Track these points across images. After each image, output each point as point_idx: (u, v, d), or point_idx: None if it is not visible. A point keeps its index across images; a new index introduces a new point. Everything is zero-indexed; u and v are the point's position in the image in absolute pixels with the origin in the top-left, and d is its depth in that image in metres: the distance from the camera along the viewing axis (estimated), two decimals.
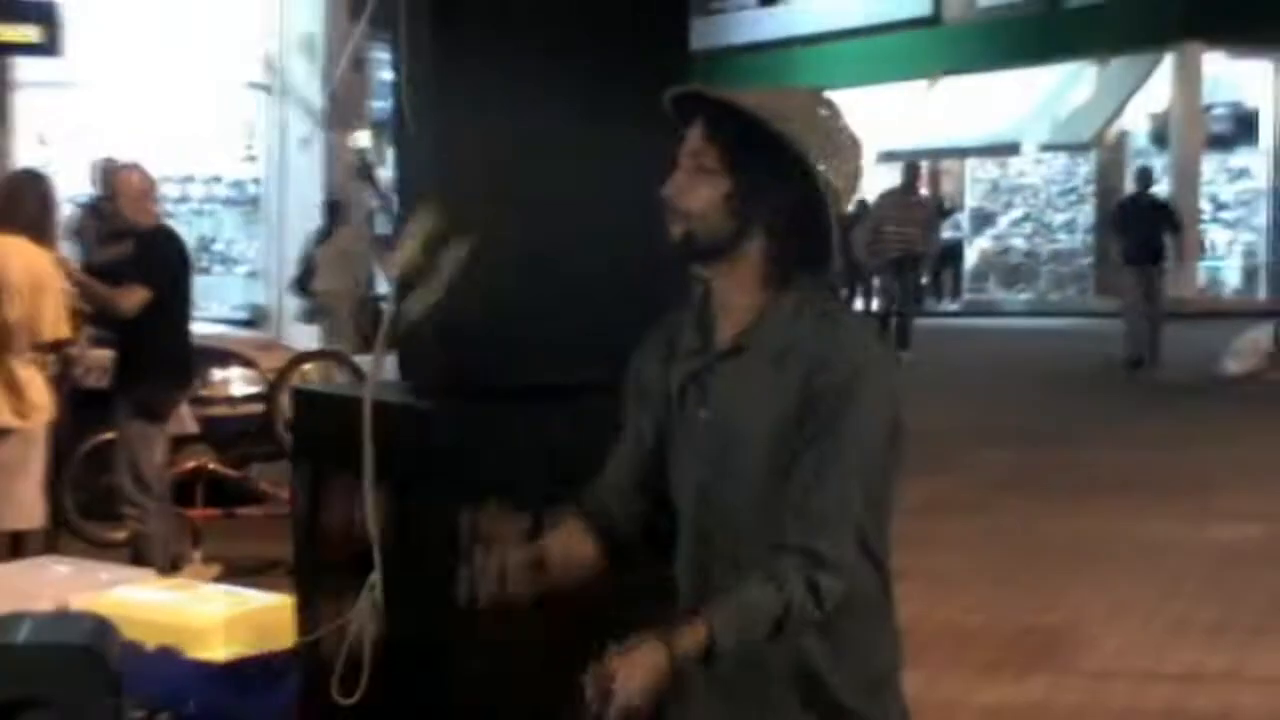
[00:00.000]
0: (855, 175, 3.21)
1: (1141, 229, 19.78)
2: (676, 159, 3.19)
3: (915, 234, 20.69)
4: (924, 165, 30.37)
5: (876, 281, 23.29)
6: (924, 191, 23.39)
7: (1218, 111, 29.68)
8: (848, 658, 3.16)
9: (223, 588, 7.24)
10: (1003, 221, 28.64)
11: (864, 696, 3.19)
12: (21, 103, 19.55)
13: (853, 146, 3.21)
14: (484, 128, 4.47)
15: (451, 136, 4.62)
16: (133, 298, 9.15)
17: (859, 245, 21.18)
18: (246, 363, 12.03)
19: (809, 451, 3.04)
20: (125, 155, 12.70)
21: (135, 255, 9.25)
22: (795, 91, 3.30)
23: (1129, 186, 29.09)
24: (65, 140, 22.32)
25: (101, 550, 9.83)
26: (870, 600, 3.18)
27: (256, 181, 22.76)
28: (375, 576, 4.35)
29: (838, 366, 3.07)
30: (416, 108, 4.75)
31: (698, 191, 3.14)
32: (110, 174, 9.49)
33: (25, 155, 18.06)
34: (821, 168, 3.13)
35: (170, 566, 8.99)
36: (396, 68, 4.97)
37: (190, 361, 9.91)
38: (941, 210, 23.07)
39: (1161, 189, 28.40)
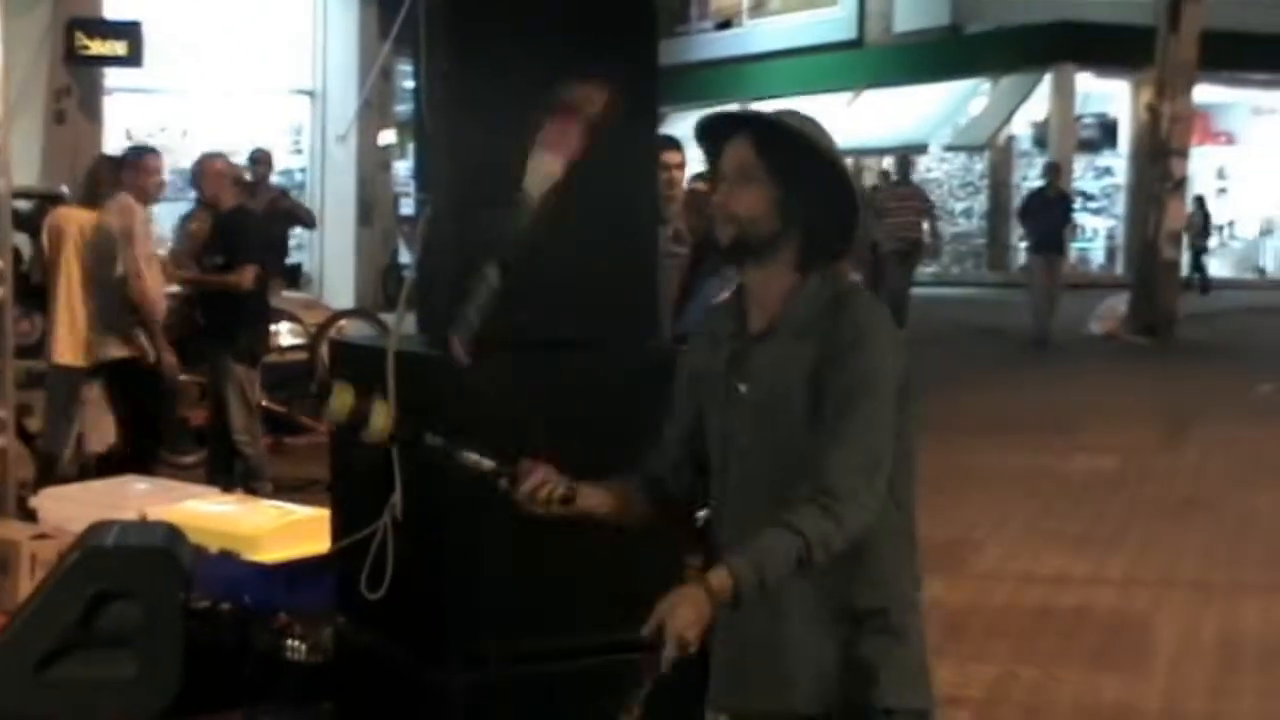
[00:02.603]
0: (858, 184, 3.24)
1: (1047, 219, 19.21)
2: (721, 173, 3.16)
3: (914, 223, 19.30)
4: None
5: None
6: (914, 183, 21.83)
7: (1086, 120, 29.71)
8: (867, 577, 3.09)
9: (272, 502, 7.23)
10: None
11: (881, 609, 3.12)
12: (110, 105, 19.40)
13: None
14: (488, 129, 4.45)
15: (460, 134, 4.60)
16: (248, 276, 9.10)
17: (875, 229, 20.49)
18: (293, 318, 12.00)
19: (827, 409, 2.98)
20: (199, 148, 12.66)
21: (225, 234, 9.15)
22: (810, 116, 3.25)
23: (1017, 180, 29.22)
24: (147, 137, 22.22)
25: (175, 471, 9.80)
26: (891, 532, 3.11)
27: (302, 171, 22.66)
28: (396, 496, 4.34)
29: (846, 333, 3.01)
30: (432, 110, 4.73)
31: (748, 200, 3.10)
32: (199, 163, 9.41)
33: (112, 149, 17.93)
34: (848, 174, 3.14)
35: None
36: (416, 78, 4.94)
37: (269, 317, 9.89)
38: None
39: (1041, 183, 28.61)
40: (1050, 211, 19.25)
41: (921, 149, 28.98)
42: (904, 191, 19.95)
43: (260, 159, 14.49)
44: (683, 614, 2.81)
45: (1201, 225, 27.49)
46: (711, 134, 3.20)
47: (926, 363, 16.42)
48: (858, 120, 30.14)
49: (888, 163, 28.44)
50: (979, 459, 11.35)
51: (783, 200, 3.09)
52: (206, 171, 9.35)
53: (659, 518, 3.37)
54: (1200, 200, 27.49)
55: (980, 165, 30.24)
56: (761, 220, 3.09)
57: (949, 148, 29.62)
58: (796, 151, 3.09)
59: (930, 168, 29.75)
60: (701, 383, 3.26)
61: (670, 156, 6.21)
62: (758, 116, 3.16)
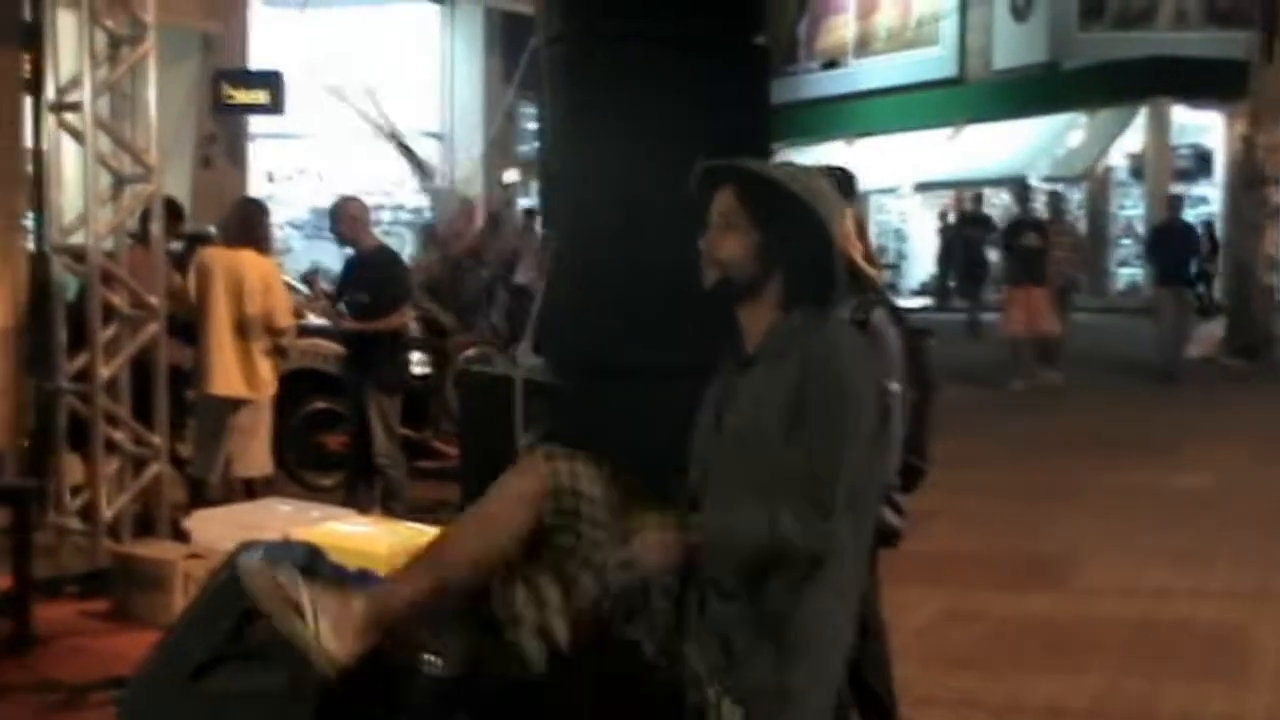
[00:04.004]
0: (840, 225, 3.24)
1: (1174, 252, 18.23)
2: (708, 218, 3.20)
3: (1071, 259, 17.95)
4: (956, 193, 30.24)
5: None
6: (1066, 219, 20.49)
7: (1182, 151, 29.27)
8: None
9: (405, 523, 7.28)
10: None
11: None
12: (253, 150, 19.73)
13: (839, 203, 3.25)
14: (608, 168, 4.46)
15: (581, 174, 4.62)
16: (402, 318, 9.29)
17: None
18: (424, 346, 12.09)
19: (806, 431, 2.99)
20: (335, 189, 12.82)
21: (369, 274, 9.24)
22: (801, 166, 3.29)
23: (1114, 210, 28.84)
24: (286, 179, 22.57)
25: (313, 493, 9.91)
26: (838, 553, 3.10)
27: (431, 209, 22.90)
28: None
29: (819, 360, 3.03)
30: (554, 151, 4.76)
31: (730, 244, 3.14)
32: (336, 205, 9.53)
33: (256, 190, 18.22)
34: (827, 221, 3.14)
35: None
36: (540, 120, 4.97)
37: (409, 346, 9.99)
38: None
39: (1137, 212, 28.22)
40: (1177, 243, 18.38)
41: (1020, 181, 28.77)
42: (1058, 227, 18.65)
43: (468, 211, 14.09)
44: (654, 555, 3.06)
45: None
46: (704, 183, 3.22)
47: (1033, 386, 16.29)
48: (959, 154, 29.97)
49: (1004, 197, 28.25)
50: (1081, 477, 11.22)
51: (764, 245, 3.11)
52: (343, 213, 9.45)
53: None
54: None
55: (1078, 196, 29.91)
56: (743, 264, 3.17)
57: (1047, 179, 29.32)
58: (778, 199, 3.12)
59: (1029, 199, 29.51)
60: (703, 421, 3.31)
61: None
62: (740, 168, 3.17)
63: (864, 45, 34.48)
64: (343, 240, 9.51)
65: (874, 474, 3.11)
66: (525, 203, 23.10)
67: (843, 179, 8.10)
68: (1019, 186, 20.49)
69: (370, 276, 9.18)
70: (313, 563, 5.21)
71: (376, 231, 10.82)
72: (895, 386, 4.69)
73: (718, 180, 3.21)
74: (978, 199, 27.08)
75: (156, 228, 8.24)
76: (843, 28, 35.07)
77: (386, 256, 9.61)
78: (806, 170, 3.27)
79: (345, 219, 9.39)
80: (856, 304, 4.80)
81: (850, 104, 32.81)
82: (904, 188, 31.22)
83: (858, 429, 3.01)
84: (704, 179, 3.25)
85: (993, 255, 25.20)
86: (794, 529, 2.94)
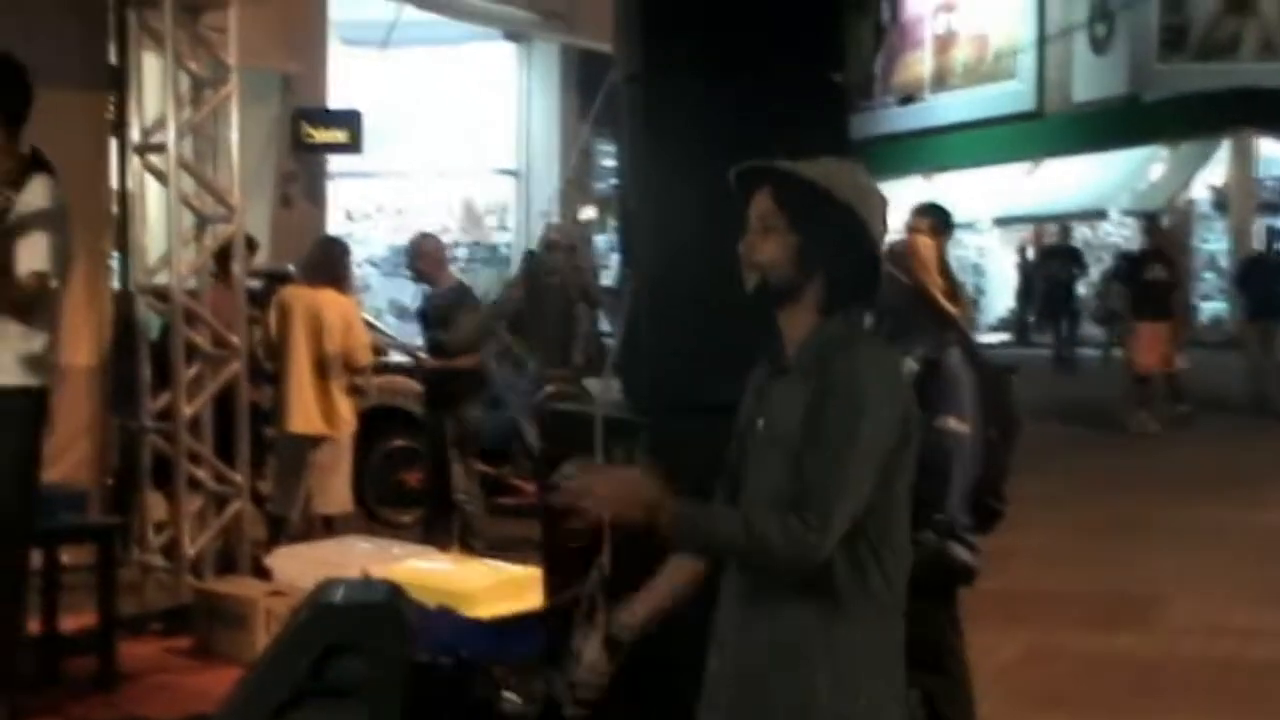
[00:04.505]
0: (885, 226, 3.19)
1: (1263, 286, 17.87)
2: (747, 222, 3.17)
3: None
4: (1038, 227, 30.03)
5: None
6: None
7: (1266, 183, 28.93)
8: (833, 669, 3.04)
9: (485, 560, 7.31)
10: (1095, 271, 28.00)
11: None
12: (332, 189, 19.91)
13: (882, 204, 3.19)
14: (686, 206, 4.48)
15: (659, 212, 4.65)
16: (474, 358, 9.40)
17: (1115, 297, 19.21)
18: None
19: (815, 447, 2.93)
20: (414, 228, 12.91)
21: (447, 312, 9.32)
22: (840, 162, 3.23)
23: (1196, 244, 28.53)
24: (364, 218, 22.77)
25: (392, 530, 9.97)
26: (861, 590, 3.04)
27: (508, 246, 23.02)
28: (604, 556, 4.36)
29: (837, 378, 2.96)
30: (633, 189, 4.78)
31: (769, 248, 3.12)
32: (414, 243, 9.63)
33: (334, 229, 18.38)
34: (867, 221, 3.11)
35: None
36: (619, 158, 5.00)
37: (486, 383, 10.06)
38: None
39: (1220, 246, 27.90)
40: (1267, 277, 18.03)
41: (1101, 214, 28.52)
42: (1183, 260, 18.24)
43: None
44: (615, 490, 3.06)
45: None
46: (741, 185, 3.20)
47: (1114, 417, 16.13)
48: (1037, 188, 29.79)
49: (1085, 231, 28.08)
50: (1166, 513, 11.09)
51: (802, 248, 3.09)
52: (421, 251, 9.52)
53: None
54: None
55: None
56: (782, 267, 3.09)
57: (1128, 212, 29.08)
58: (816, 201, 3.08)
59: (1109, 232, 29.25)
60: (738, 425, 3.27)
61: None
62: (777, 168, 3.15)
63: (941, 80, 34.40)
64: (420, 277, 9.58)
65: (893, 502, 3.06)
66: (600, 239, 23.21)
67: (939, 216, 8.22)
68: (1146, 218, 20.04)
69: (448, 314, 9.25)
70: (395, 601, 5.26)
71: (454, 269, 10.89)
72: (959, 426, 4.68)
73: (755, 182, 3.19)
74: (1065, 232, 26.87)
75: (238, 267, 8.35)
76: (919, 63, 35.02)
77: (463, 294, 9.68)
78: (847, 167, 3.22)
79: (423, 256, 9.47)
80: (931, 343, 4.79)
81: (927, 139, 32.72)
82: (982, 222, 31.04)
83: (869, 451, 2.97)
84: (741, 181, 3.23)
85: (1082, 289, 25.03)
86: (776, 534, 2.89)
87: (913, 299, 4.83)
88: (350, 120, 18.65)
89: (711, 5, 4.68)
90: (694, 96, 4.63)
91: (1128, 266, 18.15)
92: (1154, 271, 16.35)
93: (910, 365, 4.69)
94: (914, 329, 4.81)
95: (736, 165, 3.23)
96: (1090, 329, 24.50)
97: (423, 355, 9.63)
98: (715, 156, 4.43)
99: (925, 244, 5.21)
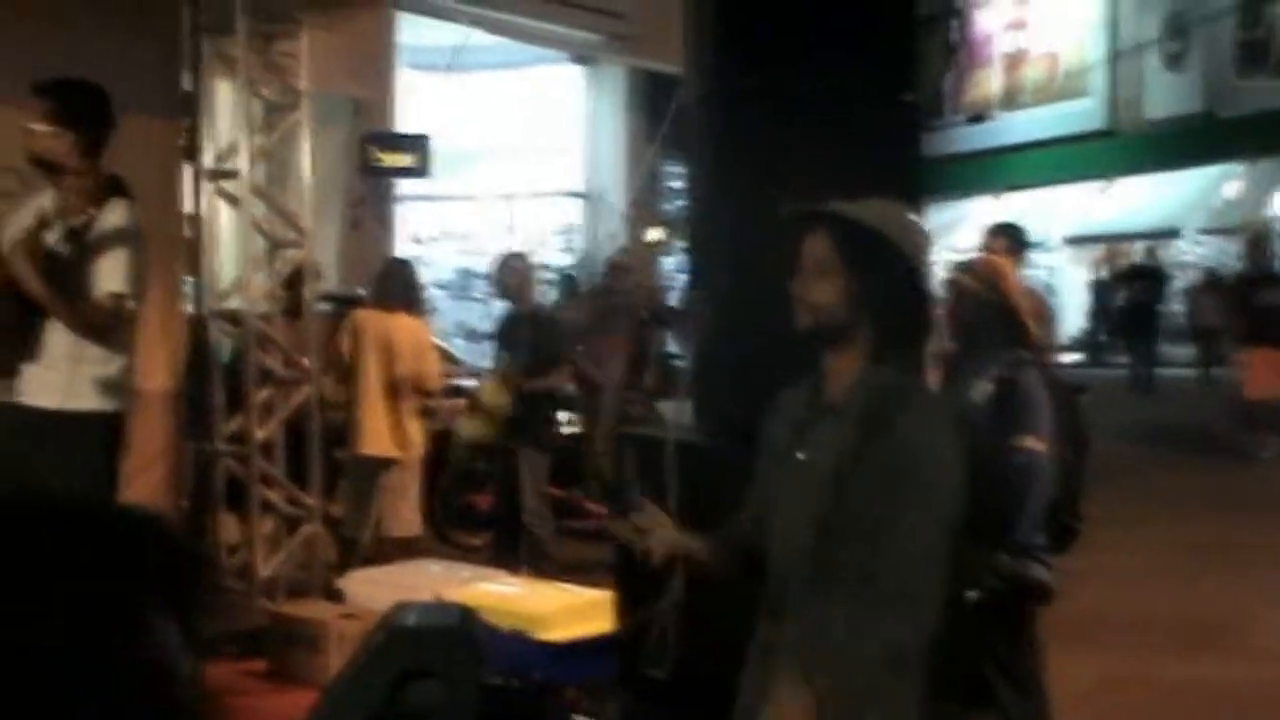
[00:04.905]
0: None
1: None
2: (801, 264, 3.20)
3: None
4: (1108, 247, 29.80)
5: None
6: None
7: None
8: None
9: (556, 583, 7.32)
10: (1175, 289, 27.76)
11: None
12: (400, 212, 20.06)
13: (928, 242, 3.23)
14: (758, 228, 4.49)
15: (731, 234, 4.66)
16: (560, 377, 9.63)
17: (1209, 311, 18.86)
18: (570, 405, 12.15)
19: (892, 515, 2.98)
20: (481, 249, 12.97)
21: (529, 333, 9.35)
22: (893, 205, 3.26)
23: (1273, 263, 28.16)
24: (431, 241, 22.93)
25: (462, 552, 10.00)
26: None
27: (574, 268, 23.11)
28: (676, 580, 4.38)
29: (907, 446, 3.02)
30: (703, 211, 4.80)
31: (823, 289, 3.14)
32: (503, 262, 9.70)
33: (402, 252, 18.52)
34: (920, 267, 3.14)
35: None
36: (689, 180, 5.02)
37: (559, 405, 10.08)
38: None
39: None
40: None
41: (1175, 234, 28.29)
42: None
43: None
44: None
45: None
46: (795, 226, 3.23)
47: (1193, 441, 15.97)
48: (1110, 207, 29.58)
49: (1138, 248, 27.84)
50: (1249, 536, 10.97)
51: (857, 292, 3.11)
52: (509, 270, 9.58)
53: (745, 569, 3.43)
54: None
55: (1234, 248, 29.34)
56: (836, 310, 3.13)
57: (1204, 231, 28.83)
58: (871, 245, 3.11)
59: (1184, 251, 29.02)
60: (767, 450, 3.32)
61: None
62: (833, 212, 3.17)
63: (1011, 98, 34.23)
64: (506, 296, 9.64)
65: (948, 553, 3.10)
66: (668, 261, 23.23)
67: (1015, 235, 8.22)
68: (1256, 236, 19.56)
69: (530, 335, 9.29)
70: (467, 624, 5.28)
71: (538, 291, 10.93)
72: (1037, 444, 4.67)
73: (810, 223, 3.22)
74: (1150, 252, 26.62)
75: (309, 292, 8.42)
76: (989, 81, 34.87)
77: (545, 315, 9.73)
78: (899, 210, 3.26)
79: (512, 275, 9.53)
80: (1008, 361, 4.79)
81: (997, 158, 32.56)
82: (1053, 242, 30.85)
83: (943, 519, 3.01)
84: (796, 221, 3.25)
85: (1163, 309, 24.74)
86: (878, 650, 2.95)
87: (991, 317, 4.83)
88: (418, 144, 18.80)
89: (784, 28, 4.69)
90: (764, 117, 4.64)
91: (1238, 288, 17.56)
92: (1271, 296, 15.83)
93: (985, 386, 4.69)
94: (989, 346, 4.81)
95: (791, 207, 3.27)
96: (1171, 348, 24.24)
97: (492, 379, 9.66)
98: (785, 177, 4.46)
99: (1008, 262, 5.21)
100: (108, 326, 5.45)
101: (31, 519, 1.17)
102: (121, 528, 1.21)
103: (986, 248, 7.09)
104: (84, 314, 5.39)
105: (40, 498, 1.21)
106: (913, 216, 3.26)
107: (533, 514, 9.19)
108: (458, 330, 21.02)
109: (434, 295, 21.76)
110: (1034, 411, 4.70)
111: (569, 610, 6.10)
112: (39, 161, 5.50)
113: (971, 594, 3.51)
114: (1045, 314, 5.66)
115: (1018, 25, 34.26)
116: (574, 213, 23.64)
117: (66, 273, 5.37)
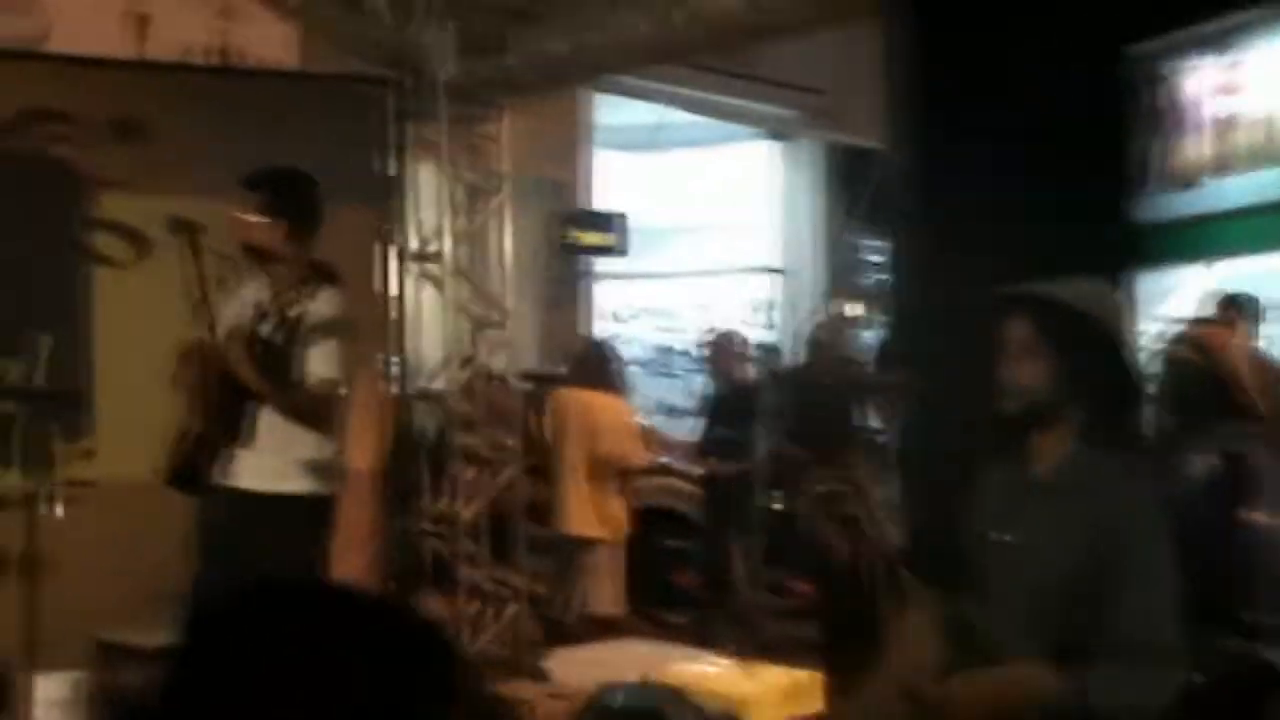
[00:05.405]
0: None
1: None
2: (1005, 347, 3.18)
3: None
4: None
5: None
6: None
7: None
8: None
9: (763, 664, 7.27)
10: None
11: None
12: (598, 290, 20.23)
13: (1131, 317, 3.22)
14: (962, 300, 4.45)
15: (936, 307, 4.62)
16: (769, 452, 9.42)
17: None
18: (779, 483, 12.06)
19: (1131, 583, 2.97)
20: (679, 328, 13.02)
21: (738, 411, 9.37)
22: (1094, 284, 3.23)
23: None
24: (629, 319, 23.07)
25: (663, 630, 9.97)
26: None
27: (775, 344, 23.04)
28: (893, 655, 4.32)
29: (1135, 511, 3.03)
30: (910, 285, 4.77)
31: (1030, 371, 3.11)
32: (718, 339, 9.78)
33: (601, 330, 18.66)
34: (1123, 339, 3.11)
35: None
36: (885, 253, 5.01)
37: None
38: None
39: None
40: None
41: None
42: None
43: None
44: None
45: None
46: (998, 310, 3.23)
47: None
48: None
49: None
50: None
51: (1064, 373, 3.07)
52: (725, 347, 9.64)
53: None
54: None
55: None
56: (1043, 391, 3.12)
57: None
58: (1076, 325, 3.08)
59: None
60: (973, 533, 3.28)
61: None
62: (1034, 295, 3.12)
63: (1222, 164, 33.47)
64: (717, 374, 9.68)
65: None
66: (868, 336, 23.09)
67: (1243, 305, 8.03)
68: None
69: (739, 413, 9.29)
70: (676, 706, 5.28)
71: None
72: (1269, 520, 4.54)
73: (1011, 306, 3.20)
74: None
75: (512, 373, 8.54)
76: (1198, 146, 34.17)
77: (753, 393, 9.74)
78: (1101, 289, 3.23)
79: (727, 353, 9.58)
80: (1232, 435, 4.67)
81: (1208, 224, 31.82)
82: (1271, 312, 30.02)
83: (1174, 564, 3.02)
84: (998, 306, 3.24)
85: None
86: (1148, 691, 2.93)
87: (1209, 389, 4.72)
88: (615, 223, 18.97)
89: (991, 108, 4.66)
90: (967, 189, 4.61)
91: None
92: None
93: (1206, 460, 4.59)
94: (1206, 419, 4.70)
95: (990, 291, 3.26)
96: None
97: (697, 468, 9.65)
98: (991, 249, 4.41)
99: (1232, 333, 5.11)
100: (319, 412, 5.57)
101: (333, 607, 1.22)
102: (408, 624, 1.25)
103: (1215, 319, 6.90)
104: (296, 400, 5.51)
105: (337, 590, 1.26)
106: (1114, 291, 3.22)
107: (744, 595, 9.15)
108: (658, 407, 21.08)
109: (633, 372, 21.90)
110: (1262, 486, 4.57)
111: (778, 691, 6.05)
112: (251, 250, 5.65)
113: (1198, 678, 3.41)
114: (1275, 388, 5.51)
115: (1229, 90, 33.54)
116: (770, 288, 23.60)
117: (279, 360, 5.49)
